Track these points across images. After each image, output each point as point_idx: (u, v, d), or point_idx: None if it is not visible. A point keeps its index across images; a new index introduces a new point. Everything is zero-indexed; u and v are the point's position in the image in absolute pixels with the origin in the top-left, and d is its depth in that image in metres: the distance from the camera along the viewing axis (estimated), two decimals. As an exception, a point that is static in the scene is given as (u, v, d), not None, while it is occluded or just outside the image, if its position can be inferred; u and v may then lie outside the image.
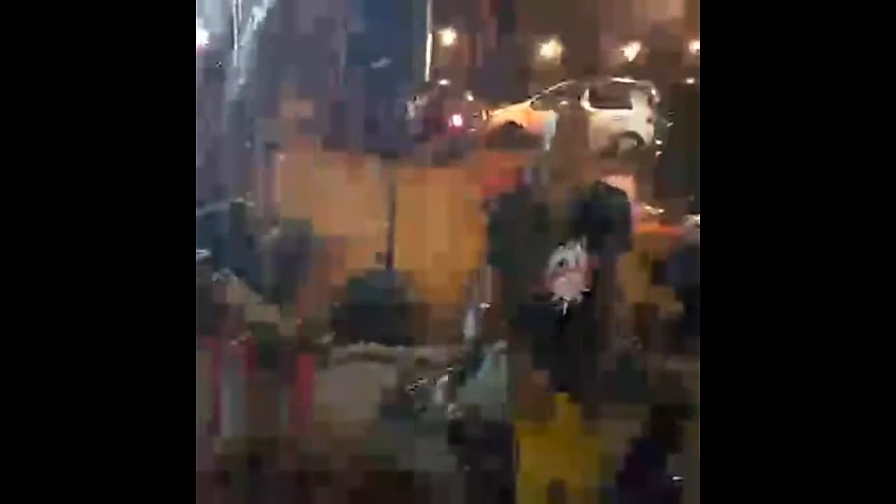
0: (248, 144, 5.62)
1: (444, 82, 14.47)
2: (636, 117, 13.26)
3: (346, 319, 4.70)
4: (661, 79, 12.49)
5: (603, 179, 3.22)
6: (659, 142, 11.82)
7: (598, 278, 2.93)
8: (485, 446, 3.39)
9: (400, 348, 4.84)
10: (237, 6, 7.39)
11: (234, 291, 3.49)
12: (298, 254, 3.61)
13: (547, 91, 14.91)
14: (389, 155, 6.24)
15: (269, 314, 3.57)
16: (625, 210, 3.03)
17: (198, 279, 3.51)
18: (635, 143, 11.52)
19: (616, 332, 2.96)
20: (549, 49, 18.59)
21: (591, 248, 2.93)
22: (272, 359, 3.62)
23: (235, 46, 6.84)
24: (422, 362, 4.41)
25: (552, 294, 2.93)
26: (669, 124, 11.88)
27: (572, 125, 2.95)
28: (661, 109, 12.21)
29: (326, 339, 4.00)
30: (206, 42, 7.62)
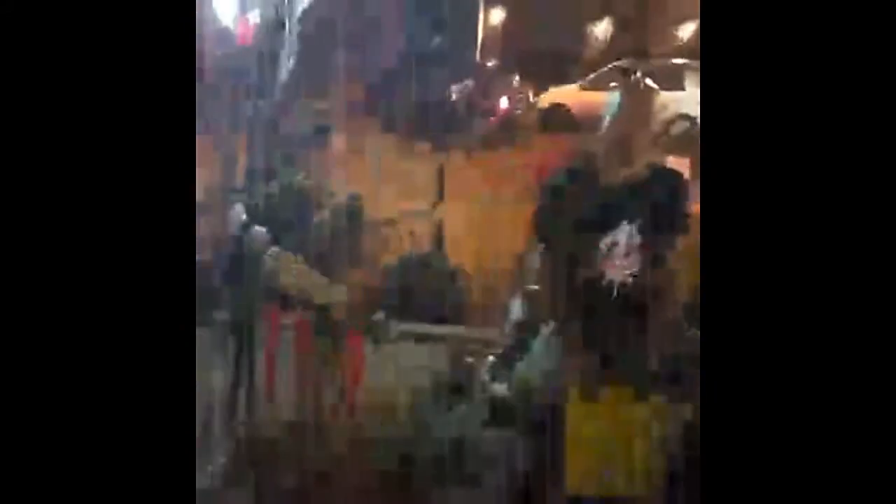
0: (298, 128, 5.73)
1: (491, 63, 14.40)
2: (689, 99, 13.01)
3: (395, 299, 4.76)
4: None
5: (659, 161, 3.19)
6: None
7: (652, 260, 2.91)
8: (534, 426, 3.42)
9: (448, 329, 4.88)
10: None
11: (290, 268, 3.56)
12: (351, 232, 3.66)
13: (597, 73, 14.73)
14: (439, 137, 6.27)
15: (323, 291, 3.63)
16: (680, 192, 3.00)
17: (254, 255, 3.59)
18: (689, 125, 11.33)
19: (668, 316, 2.94)
20: (601, 30, 18.35)
21: (645, 230, 2.91)
22: (325, 334, 3.69)
23: (287, 27, 6.91)
24: (470, 343, 4.44)
25: (604, 276, 2.93)
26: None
27: (636, 103, 2.92)
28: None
29: (379, 316, 4.06)
30: (257, 23, 7.74)
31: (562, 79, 15.32)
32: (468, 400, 3.89)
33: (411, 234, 5.43)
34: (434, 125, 6.75)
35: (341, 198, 3.77)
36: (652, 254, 2.92)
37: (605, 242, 2.93)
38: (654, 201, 2.93)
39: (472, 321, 4.94)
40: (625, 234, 2.90)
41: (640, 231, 2.90)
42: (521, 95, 13.95)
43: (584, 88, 15.19)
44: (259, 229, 3.91)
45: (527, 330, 3.75)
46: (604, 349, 2.89)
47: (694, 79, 15.15)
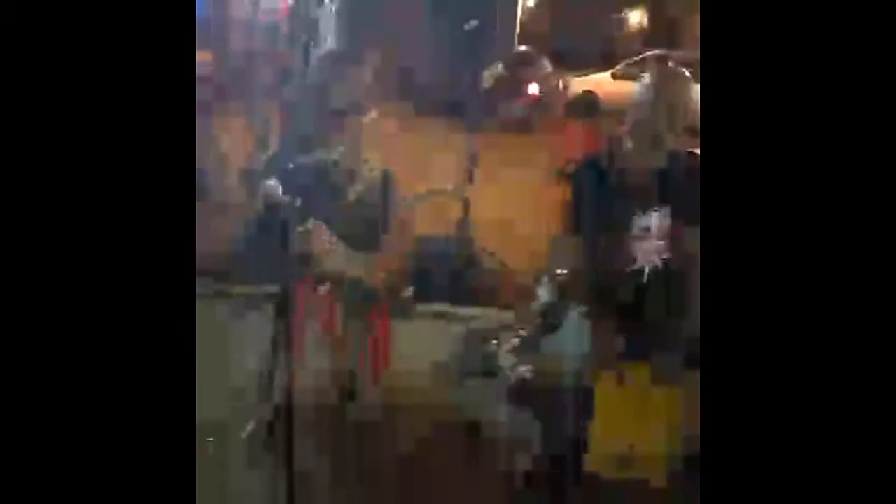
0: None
1: (523, 48, 14.35)
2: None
3: (422, 277, 4.81)
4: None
5: (689, 149, 3.18)
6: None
7: (681, 245, 2.92)
8: (559, 409, 3.44)
9: (474, 310, 4.93)
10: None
11: (321, 240, 3.59)
12: (382, 208, 3.68)
13: (630, 61, 14.65)
14: (471, 119, 6.28)
15: (353, 265, 3.66)
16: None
17: (283, 226, 3.61)
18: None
19: (696, 300, 2.95)
20: (635, 18, 18.21)
21: (675, 214, 2.92)
22: (354, 307, 3.73)
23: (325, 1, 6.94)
24: (496, 325, 4.48)
25: (633, 260, 2.94)
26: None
27: (670, 92, 2.92)
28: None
29: (408, 292, 4.09)
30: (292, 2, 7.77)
31: (594, 66, 15.25)
32: (492, 381, 3.92)
33: (441, 214, 5.48)
34: (466, 106, 6.77)
35: (374, 173, 3.77)
36: (681, 238, 2.93)
37: (636, 227, 2.95)
38: (682, 186, 2.93)
39: (499, 303, 4.97)
40: (655, 219, 2.92)
41: (670, 216, 2.91)
42: (553, 81, 13.90)
43: (615, 77, 15.16)
44: (271, 183, 3.90)
45: (554, 313, 3.77)
46: (632, 332, 2.91)
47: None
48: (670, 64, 5.38)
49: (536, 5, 17.34)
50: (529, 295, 4.07)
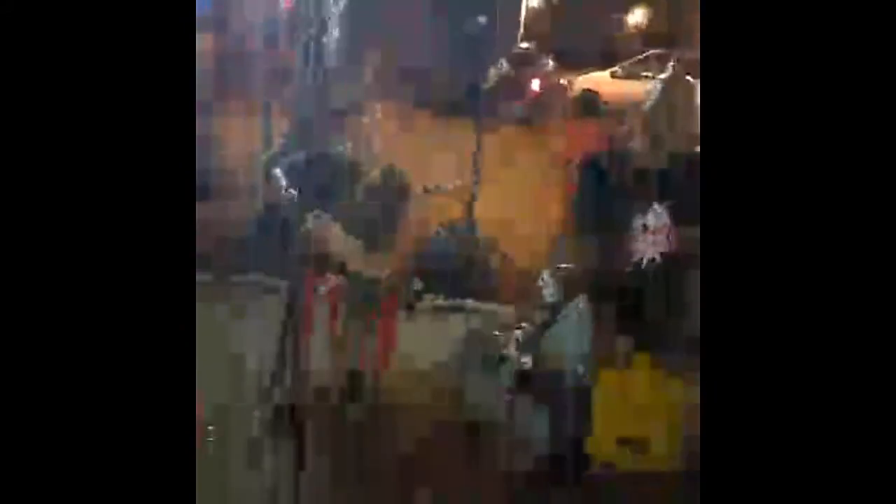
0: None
1: (525, 45, 14.36)
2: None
3: (428, 272, 4.84)
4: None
5: (690, 148, 3.24)
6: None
7: (681, 241, 2.99)
8: (561, 397, 3.49)
9: (479, 304, 4.96)
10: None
11: (329, 233, 3.62)
12: (390, 202, 3.72)
13: (630, 61, 14.66)
14: (476, 116, 6.32)
15: (360, 257, 3.70)
16: None
17: (275, 199, 3.64)
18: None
19: (695, 294, 3.00)
20: (636, 17, 18.19)
21: (676, 212, 2.99)
22: (360, 300, 3.76)
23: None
24: (500, 318, 4.52)
25: (633, 255, 3.01)
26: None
27: (672, 92, 2.98)
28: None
29: (418, 285, 4.12)
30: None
31: (595, 65, 15.24)
32: (496, 372, 3.96)
33: (447, 208, 5.52)
34: (471, 104, 6.80)
35: (381, 167, 3.82)
36: (678, 234, 2.99)
37: (637, 223, 3.01)
38: (684, 185, 3.00)
39: (504, 297, 5.01)
40: (654, 216, 2.98)
41: (669, 212, 2.98)
42: (554, 79, 13.90)
43: (615, 76, 15.15)
44: (277, 172, 3.94)
45: (558, 306, 3.82)
46: (634, 323, 2.97)
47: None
48: (673, 65, 5.46)
49: (539, 4, 17.35)
50: (535, 288, 4.13)
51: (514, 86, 11.92)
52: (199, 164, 2.08)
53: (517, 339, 4.11)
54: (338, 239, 3.63)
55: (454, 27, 8.54)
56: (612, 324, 3.02)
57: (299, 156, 4.05)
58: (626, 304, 3.00)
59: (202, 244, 2.18)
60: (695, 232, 2.98)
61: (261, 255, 4.50)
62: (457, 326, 4.43)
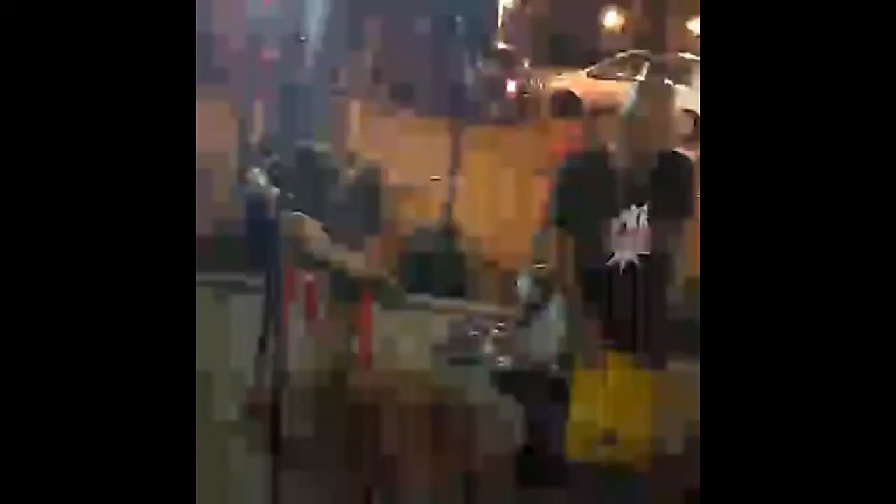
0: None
1: (502, 45, 14.44)
2: (693, 93, 13.07)
3: (407, 268, 4.88)
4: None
5: (669, 149, 3.28)
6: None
7: (659, 241, 3.04)
8: (538, 396, 3.55)
9: (456, 302, 5.02)
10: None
11: (307, 230, 3.64)
12: (369, 198, 3.74)
13: (606, 62, 14.79)
14: (453, 114, 6.37)
15: (339, 254, 3.72)
16: (688, 176, 3.12)
17: (255, 198, 3.65)
18: (692, 120, 11.43)
19: (673, 289, 3.06)
20: (612, 18, 18.34)
21: (655, 212, 3.04)
22: (341, 296, 3.79)
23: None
24: (477, 317, 4.58)
25: (612, 254, 3.05)
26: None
27: (659, 98, 3.01)
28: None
29: (394, 281, 4.16)
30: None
31: (572, 65, 15.36)
32: (473, 370, 4.02)
33: (425, 206, 5.56)
34: (449, 103, 6.85)
35: (360, 164, 3.84)
36: (658, 235, 3.04)
37: (616, 224, 3.05)
38: (663, 186, 3.05)
39: (481, 296, 5.07)
40: (633, 217, 3.03)
41: (649, 214, 3.02)
42: (530, 79, 14.00)
43: (591, 76, 15.29)
44: (256, 171, 3.95)
45: (534, 305, 3.88)
46: (610, 322, 3.02)
47: (697, 74, 15.22)
48: (645, 73, 5.50)
49: (515, 4, 17.42)
50: (512, 287, 4.19)
51: (492, 85, 12.00)
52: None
53: (495, 339, 4.18)
54: (316, 236, 3.64)
55: (437, 26, 8.59)
56: (589, 322, 3.07)
57: (278, 157, 4.05)
58: (603, 302, 3.05)
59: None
60: (672, 232, 3.06)
61: (241, 252, 4.52)
62: (437, 325, 4.48)
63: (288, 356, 3.36)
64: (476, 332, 4.35)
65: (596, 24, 18.26)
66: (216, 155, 5.99)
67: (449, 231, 5.62)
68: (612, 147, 3.10)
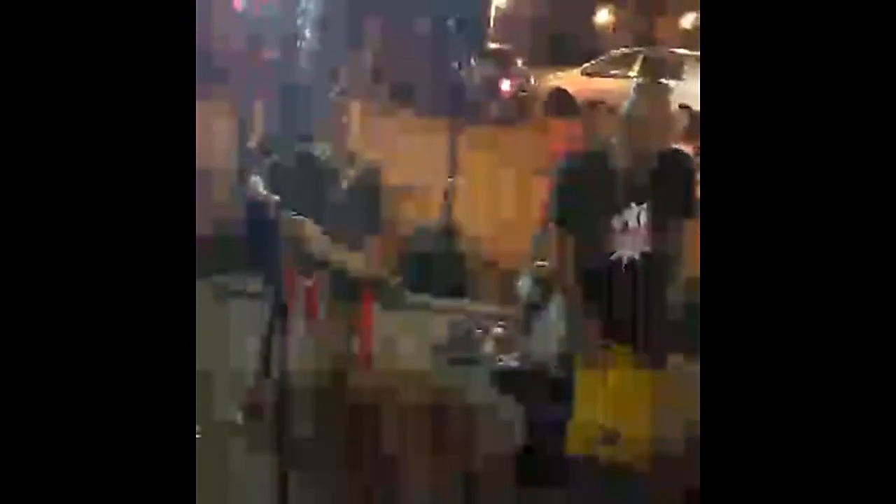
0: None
1: (495, 45, 14.45)
2: (689, 89, 13.10)
3: (408, 268, 4.89)
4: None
5: (668, 147, 3.29)
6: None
7: (660, 240, 3.05)
8: (538, 396, 3.57)
9: (457, 302, 5.03)
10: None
11: (305, 232, 3.65)
12: (369, 199, 3.75)
13: (600, 60, 14.81)
14: (450, 114, 6.39)
15: (340, 256, 3.72)
16: (689, 176, 3.14)
17: (269, 218, 3.66)
18: (687, 115, 11.46)
19: (674, 289, 3.08)
20: (604, 16, 18.34)
21: (655, 211, 3.05)
22: (341, 296, 3.80)
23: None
24: (479, 317, 4.59)
25: (613, 252, 3.07)
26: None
27: (657, 99, 3.02)
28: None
29: (396, 281, 4.16)
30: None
31: (566, 64, 15.37)
32: (473, 370, 4.03)
33: (425, 206, 5.57)
34: (444, 102, 6.87)
35: (360, 164, 3.84)
36: (659, 234, 3.06)
37: (616, 222, 3.07)
38: (664, 184, 3.06)
39: (481, 296, 5.08)
40: (634, 215, 3.04)
41: (649, 213, 3.03)
42: (524, 78, 14.01)
43: (585, 74, 15.30)
44: (255, 179, 3.97)
45: (535, 305, 3.90)
46: (610, 321, 3.03)
47: (692, 69, 15.35)
48: (638, 70, 5.48)
49: (509, 3, 17.42)
50: (513, 287, 4.20)
51: (487, 85, 12.02)
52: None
53: (496, 338, 4.19)
54: (315, 237, 3.64)
55: (435, 26, 8.61)
56: (589, 321, 3.09)
57: (277, 158, 4.05)
58: (603, 302, 3.06)
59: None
60: (673, 231, 3.08)
61: (243, 255, 4.52)
62: (437, 325, 4.49)
63: (288, 356, 3.37)
64: (479, 330, 4.37)
65: (589, 23, 18.26)
66: (216, 155, 5.99)
67: (449, 231, 5.62)
68: (611, 146, 3.11)
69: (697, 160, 3.48)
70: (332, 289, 3.78)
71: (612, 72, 13.64)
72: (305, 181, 3.80)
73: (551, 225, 3.24)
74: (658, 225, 3.05)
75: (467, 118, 7.40)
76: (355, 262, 3.71)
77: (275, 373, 3.35)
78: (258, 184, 3.95)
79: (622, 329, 3.04)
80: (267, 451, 3.28)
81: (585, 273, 3.11)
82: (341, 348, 3.80)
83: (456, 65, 7.24)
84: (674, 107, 3.19)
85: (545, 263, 3.86)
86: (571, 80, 14.15)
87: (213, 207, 5.23)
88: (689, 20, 18.70)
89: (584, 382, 3.10)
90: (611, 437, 3.00)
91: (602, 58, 14.76)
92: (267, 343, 3.92)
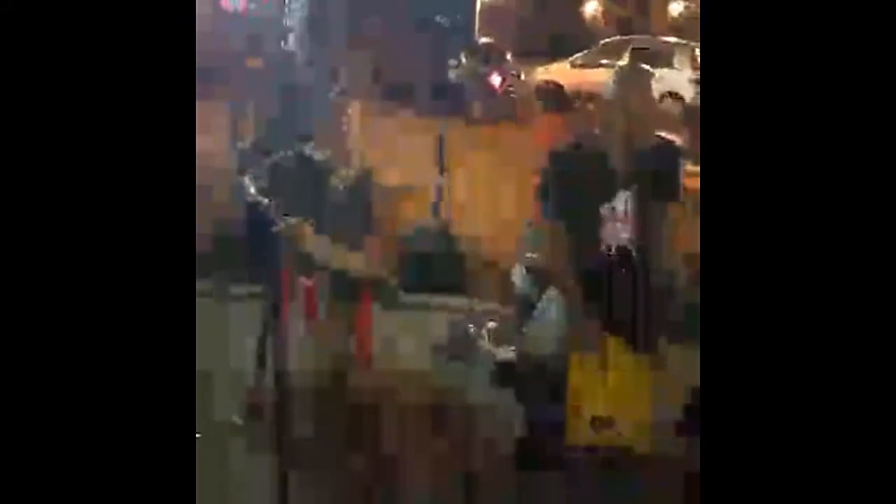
0: None
1: (484, 39, 14.44)
2: (678, 77, 13.15)
3: (404, 267, 4.90)
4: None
5: (654, 135, 3.32)
6: (702, 102, 11.73)
7: (646, 225, 3.07)
8: (536, 388, 3.58)
9: (452, 298, 5.04)
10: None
11: (300, 233, 3.66)
12: (364, 200, 3.76)
13: (588, 51, 14.81)
14: (440, 111, 6.39)
15: (337, 257, 3.74)
16: (674, 161, 3.17)
17: (265, 220, 3.68)
18: (678, 103, 11.49)
19: (661, 276, 3.10)
20: (591, 7, 18.34)
21: (641, 197, 3.07)
22: (341, 296, 3.81)
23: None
24: (474, 313, 4.61)
25: (601, 240, 3.09)
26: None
27: (637, 83, 3.05)
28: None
29: (393, 281, 4.17)
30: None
31: (554, 57, 15.36)
32: (471, 365, 4.05)
33: (424, 206, 5.57)
34: (435, 100, 6.87)
35: (354, 166, 3.86)
36: (644, 219, 3.07)
37: (604, 210, 3.09)
38: (650, 171, 3.09)
39: (476, 291, 5.10)
40: (621, 202, 3.06)
41: (636, 199, 3.05)
42: (514, 73, 14.01)
43: (575, 66, 15.32)
44: (246, 179, 3.97)
45: (529, 296, 3.91)
46: (604, 308, 3.05)
47: (682, 57, 15.35)
48: (627, 59, 5.50)
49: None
50: (506, 281, 4.22)
51: (477, 81, 12.01)
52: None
53: (490, 333, 4.20)
54: (311, 238, 3.66)
55: (421, 23, 8.60)
56: (584, 311, 3.11)
57: (277, 158, 4.06)
58: (597, 290, 3.08)
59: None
60: (658, 215, 3.10)
61: (241, 252, 4.52)
62: (437, 324, 4.50)
63: (288, 356, 3.39)
64: (472, 326, 4.38)
65: (577, 14, 18.27)
66: (216, 155, 5.98)
67: (443, 230, 5.63)
68: (597, 135, 3.14)
69: (685, 148, 3.51)
70: (331, 289, 3.80)
71: (603, 62, 13.64)
72: (305, 181, 3.81)
73: (540, 211, 3.25)
74: (643, 209, 3.06)
75: (461, 116, 7.41)
76: (354, 262, 3.72)
77: (269, 374, 3.36)
78: (249, 185, 3.95)
79: (614, 316, 3.05)
80: (267, 451, 3.30)
81: (578, 263, 3.12)
82: (341, 348, 3.81)
83: (446, 62, 7.25)
84: (656, 92, 3.21)
85: (537, 256, 3.88)
86: (561, 73, 14.15)
87: (214, 207, 5.23)
88: (678, 8, 18.67)
89: (578, 371, 3.11)
90: (608, 423, 3.02)
91: (591, 49, 14.76)
92: (262, 343, 3.93)
